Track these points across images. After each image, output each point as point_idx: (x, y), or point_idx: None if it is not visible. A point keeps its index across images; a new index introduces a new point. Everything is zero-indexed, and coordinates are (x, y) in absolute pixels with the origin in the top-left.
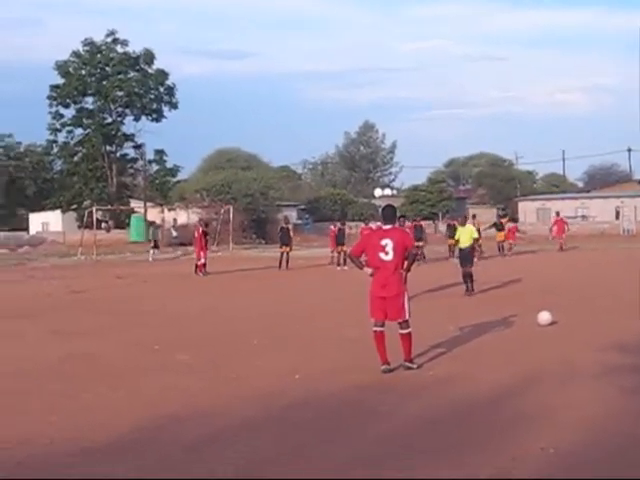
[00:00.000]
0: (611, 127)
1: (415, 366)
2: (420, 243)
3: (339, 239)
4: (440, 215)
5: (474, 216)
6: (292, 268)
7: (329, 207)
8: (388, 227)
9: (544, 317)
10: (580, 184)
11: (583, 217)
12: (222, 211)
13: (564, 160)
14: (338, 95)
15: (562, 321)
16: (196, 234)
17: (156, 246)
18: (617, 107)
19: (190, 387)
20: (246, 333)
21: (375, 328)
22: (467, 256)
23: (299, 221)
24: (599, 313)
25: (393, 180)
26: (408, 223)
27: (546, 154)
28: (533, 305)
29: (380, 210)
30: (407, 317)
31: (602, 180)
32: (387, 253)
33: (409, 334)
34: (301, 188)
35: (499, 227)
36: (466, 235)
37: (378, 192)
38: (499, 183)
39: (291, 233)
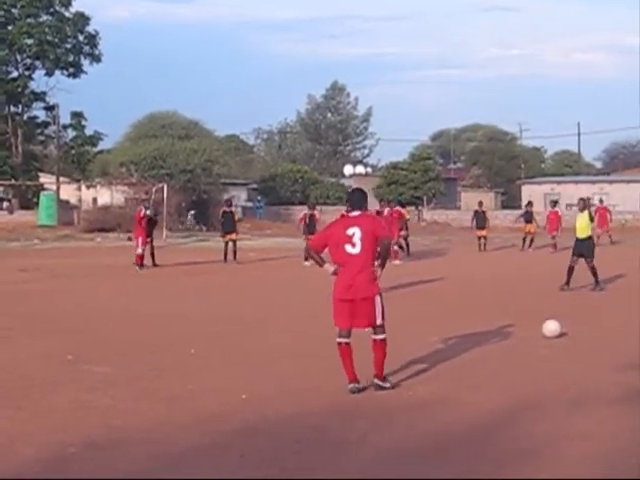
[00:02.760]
0: (638, 97)
1: (388, 384)
2: (402, 232)
3: (309, 227)
4: (425, 200)
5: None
6: (241, 262)
7: (287, 187)
8: (356, 214)
9: (551, 327)
10: (598, 164)
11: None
12: (154, 190)
13: (579, 135)
14: (301, 49)
15: (574, 332)
16: (136, 217)
17: None
18: None
19: (111, 407)
20: (182, 341)
21: (339, 339)
22: (589, 247)
23: (249, 204)
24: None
25: (367, 155)
26: (387, 209)
27: (558, 127)
28: (539, 312)
29: (347, 194)
30: (381, 321)
31: (625, 161)
32: (354, 245)
33: (384, 341)
34: (253, 163)
35: (528, 217)
36: (584, 223)
37: (349, 170)
38: (498, 162)
39: (236, 217)
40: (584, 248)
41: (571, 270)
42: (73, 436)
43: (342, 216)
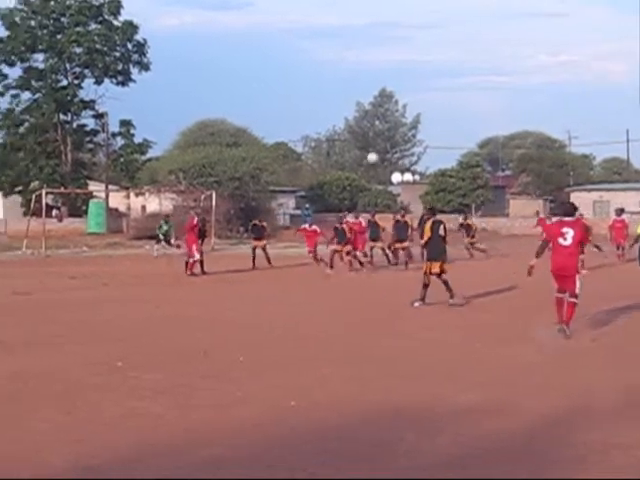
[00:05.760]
0: None
1: (569, 332)
2: (402, 244)
3: (372, 234)
4: (473, 207)
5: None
6: (282, 267)
7: (335, 195)
8: (569, 219)
9: None
10: None
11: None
12: (202, 197)
13: (628, 142)
14: (350, 57)
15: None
16: (188, 225)
17: (166, 241)
18: None
19: (159, 414)
20: (230, 348)
21: (556, 294)
22: None
23: (297, 211)
24: None
25: (415, 163)
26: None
27: (606, 134)
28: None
29: (560, 205)
30: (577, 291)
31: None
32: (566, 239)
33: (575, 304)
34: (301, 171)
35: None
36: None
37: (397, 177)
38: (547, 169)
39: (266, 229)
40: None
41: None
42: (121, 442)
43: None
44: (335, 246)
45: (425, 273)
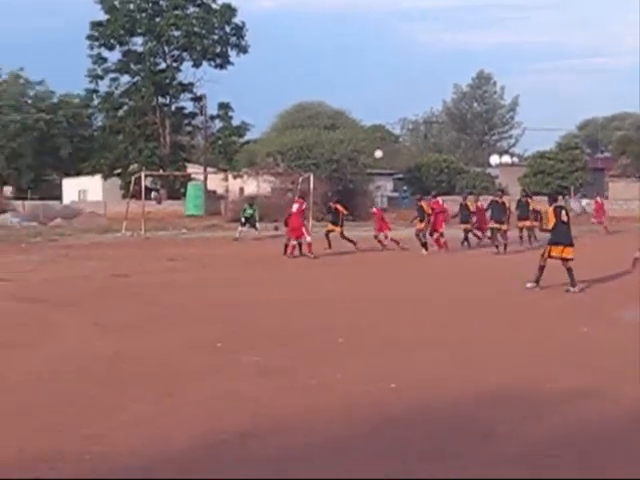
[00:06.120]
0: None
1: None
2: (498, 225)
3: (463, 217)
4: (572, 189)
5: None
6: (383, 250)
7: (433, 177)
8: None
9: None
10: None
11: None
12: (300, 180)
13: None
14: (447, 38)
15: None
16: (295, 209)
17: (251, 225)
18: None
19: (258, 396)
20: (329, 330)
21: None
22: None
23: (395, 194)
24: None
25: (513, 145)
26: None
27: None
28: None
29: None
30: None
31: None
32: None
33: None
34: (399, 153)
35: None
36: None
37: (495, 160)
38: None
39: (342, 212)
40: None
41: None
42: (223, 424)
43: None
44: (420, 225)
45: (543, 256)
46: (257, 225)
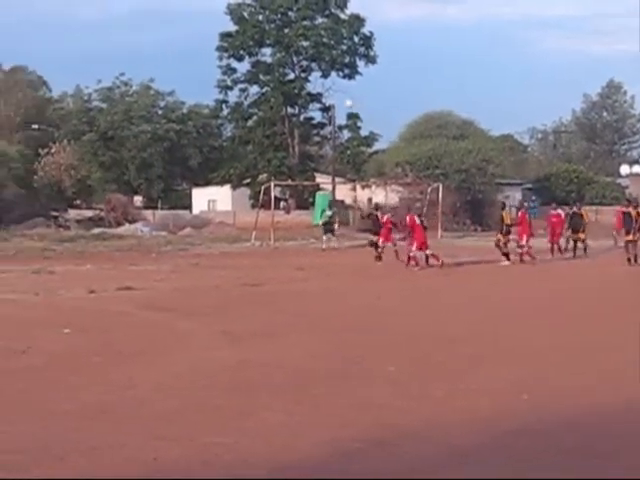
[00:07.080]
0: None
1: None
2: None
3: (575, 225)
4: None
5: None
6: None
7: (562, 187)
8: None
9: None
10: None
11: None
12: (429, 190)
13: None
14: (577, 47)
15: None
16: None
17: (330, 230)
18: None
19: (388, 404)
20: (459, 340)
21: None
22: None
23: (524, 204)
24: None
25: None
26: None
27: None
28: None
29: None
30: None
31: None
32: None
33: None
34: (527, 163)
35: None
36: None
37: (625, 169)
38: None
39: (382, 221)
40: None
41: None
42: (354, 433)
43: None
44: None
45: None
46: (335, 231)
